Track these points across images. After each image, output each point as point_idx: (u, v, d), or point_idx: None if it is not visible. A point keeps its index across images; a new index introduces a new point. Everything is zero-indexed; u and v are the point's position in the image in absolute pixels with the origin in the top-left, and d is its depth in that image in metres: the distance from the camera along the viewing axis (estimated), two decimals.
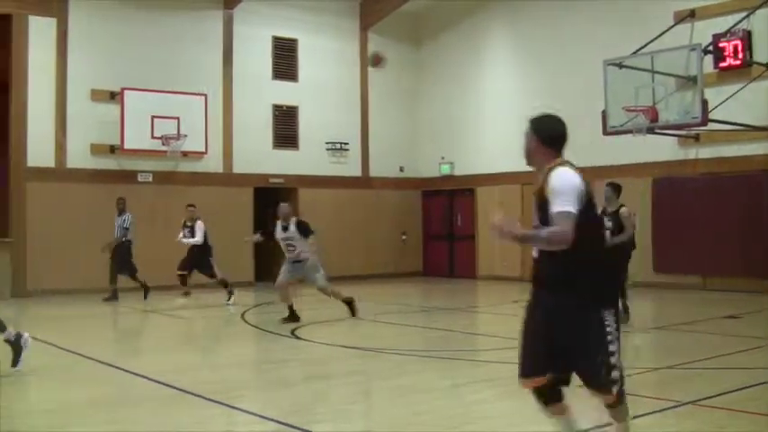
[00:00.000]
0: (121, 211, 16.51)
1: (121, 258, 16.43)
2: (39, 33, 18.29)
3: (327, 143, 22.19)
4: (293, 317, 12.46)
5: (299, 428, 5.99)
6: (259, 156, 21.01)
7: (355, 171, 22.78)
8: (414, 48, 23.77)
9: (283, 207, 12.90)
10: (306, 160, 21.76)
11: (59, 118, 18.42)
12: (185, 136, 19.27)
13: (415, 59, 23.72)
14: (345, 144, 22.51)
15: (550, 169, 4.36)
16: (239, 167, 20.73)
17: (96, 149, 18.77)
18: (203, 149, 19.91)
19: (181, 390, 7.48)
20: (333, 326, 12.67)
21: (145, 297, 16.37)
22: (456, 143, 22.52)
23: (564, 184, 4.26)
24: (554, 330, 4.35)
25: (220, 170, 20.47)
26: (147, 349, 11.26)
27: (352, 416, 6.64)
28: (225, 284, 16.05)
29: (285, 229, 12.60)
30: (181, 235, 16.44)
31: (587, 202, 4.30)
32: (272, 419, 6.34)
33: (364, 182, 22.88)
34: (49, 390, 7.96)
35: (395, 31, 23.26)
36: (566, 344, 4.34)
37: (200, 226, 16.27)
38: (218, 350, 10.71)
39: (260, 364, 9.89)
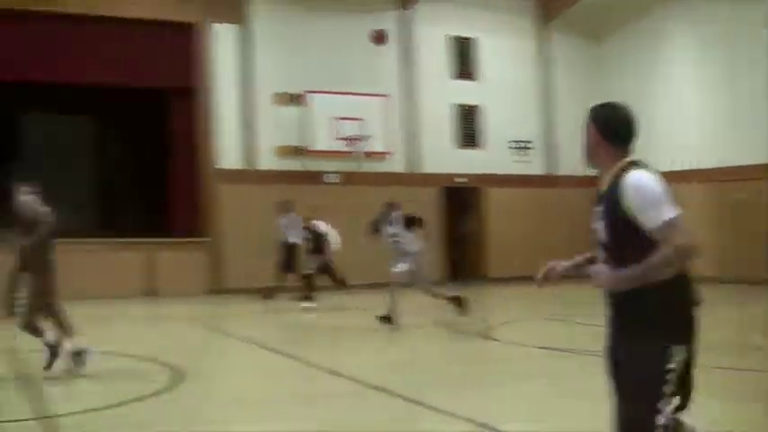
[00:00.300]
0: (288, 212, 16.69)
1: (291, 258, 16.61)
2: (222, 40, 19.10)
3: (510, 142, 21.90)
4: (458, 301, 12.49)
5: (491, 428, 5.85)
6: (442, 155, 21.00)
7: (539, 170, 22.38)
8: (594, 44, 23.05)
9: (390, 205, 12.97)
10: (489, 159, 21.55)
11: (245, 121, 19.14)
12: (369, 137, 19.53)
13: (596, 55, 22.99)
14: (529, 143, 22.14)
15: (621, 173, 3.56)
16: (423, 167, 20.79)
17: (281, 151, 19.35)
18: (386, 150, 20.10)
19: (374, 387, 7.50)
20: (520, 325, 12.49)
21: (271, 297, 16.46)
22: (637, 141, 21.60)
23: (653, 190, 3.44)
24: (612, 363, 3.63)
25: (403, 170, 20.58)
26: (339, 347, 11.27)
27: (542, 416, 6.42)
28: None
29: (391, 224, 12.65)
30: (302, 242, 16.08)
31: None
32: (465, 418, 6.19)
33: (549, 180, 22.38)
34: (247, 384, 8.20)
35: (574, 28, 22.68)
36: (618, 379, 3.57)
37: (321, 224, 15.75)
38: (408, 349, 10.67)
39: (450, 363, 9.75)
